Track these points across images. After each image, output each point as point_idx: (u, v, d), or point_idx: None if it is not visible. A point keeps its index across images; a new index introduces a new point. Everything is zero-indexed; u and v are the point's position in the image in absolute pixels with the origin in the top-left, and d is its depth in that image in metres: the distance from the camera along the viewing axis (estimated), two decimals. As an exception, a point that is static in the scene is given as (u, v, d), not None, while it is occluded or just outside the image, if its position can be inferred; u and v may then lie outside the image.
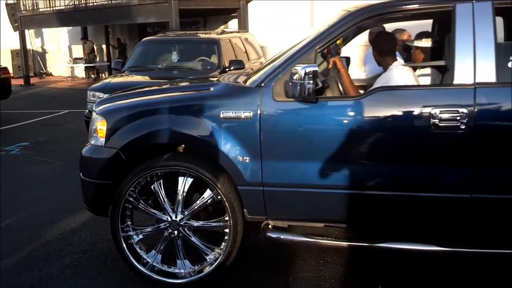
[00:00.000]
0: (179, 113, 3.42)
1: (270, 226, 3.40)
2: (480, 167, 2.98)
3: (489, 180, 2.98)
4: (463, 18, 3.05)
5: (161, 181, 3.47)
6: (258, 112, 3.21)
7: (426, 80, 3.89)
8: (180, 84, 4.38)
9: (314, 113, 3.18)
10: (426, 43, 3.97)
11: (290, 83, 3.10)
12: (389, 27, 5.65)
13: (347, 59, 4.77)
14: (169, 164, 3.42)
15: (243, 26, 14.47)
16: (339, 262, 3.76)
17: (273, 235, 3.35)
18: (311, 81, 3.00)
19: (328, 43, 3.33)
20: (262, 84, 3.26)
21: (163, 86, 4.43)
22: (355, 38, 4.59)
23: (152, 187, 3.49)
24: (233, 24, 15.57)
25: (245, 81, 3.56)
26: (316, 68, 3.04)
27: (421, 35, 4.05)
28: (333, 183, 3.19)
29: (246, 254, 3.86)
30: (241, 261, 3.69)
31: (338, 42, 4.06)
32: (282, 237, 3.35)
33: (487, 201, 3.02)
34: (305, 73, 3.00)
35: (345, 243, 3.33)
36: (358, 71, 6.55)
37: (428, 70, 3.96)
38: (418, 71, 4.02)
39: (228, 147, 3.26)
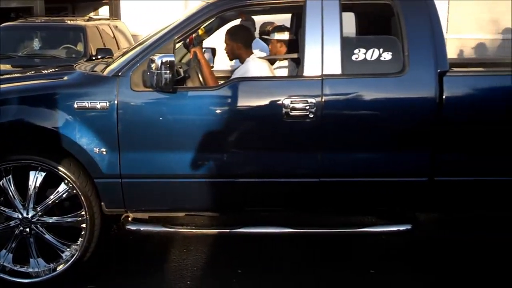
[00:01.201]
0: (30, 103, 3.23)
1: (130, 219, 3.35)
2: (326, 153, 3.18)
3: (334, 165, 3.19)
4: (312, 13, 3.21)
5: (10, 176, 3.24)
6: (115, 102, 3.13)
7: (284, 72, 4.07)
8: (34, 72, 4.12)
9: (172, 103, 3.18)
10: (284, 36, 4.13)
11: (148, 73, 3.06)
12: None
13: (213, 50, 4.83)
14: (19, 158, 3.21)
15: (115, 14, 13.95)
16: (202, 250, 3.81)
17: (133, 227, 3.31)
18: (168, 71, 2.99)
19: (187, 33, 3.36)
20: (120, 73, 3.19)
21: (15, 75, 4.14)
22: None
23: (0, 183, 3.26)
24: (104, 11, 14.95)
25: (103, 70, 3.44)
26: (173, 59, 3.03)
27: (280, 29, 4.22)
28: (192, 173, 3.22)
29: (109, 247, 3.77)
30: (105, 255, 3.61)
31: (200, 33, 4.09)
32: (142, 228, 3.33)
33: (333, 185, 3.24)
34: (162, 63, 2.98)
35: (205, 231, 3.43)
36: (228, 62, 6.63)
37: (286, 63, 4.14)
38: (278, 63, 4.19)
39: (84, 139, 3.15)
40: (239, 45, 3.81)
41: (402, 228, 3.35)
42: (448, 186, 3.23)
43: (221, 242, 3.92)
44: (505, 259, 3.71)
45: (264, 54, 4.70)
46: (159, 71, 2.98)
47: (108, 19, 10.36)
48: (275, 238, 3.82)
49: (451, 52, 11.43)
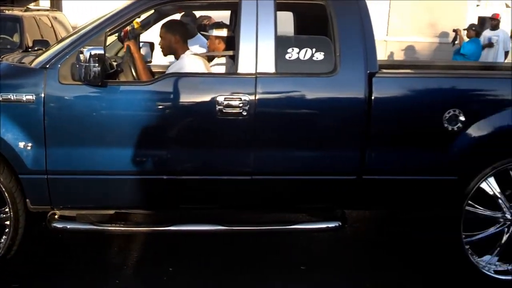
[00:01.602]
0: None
1: (56, 216, 3.25)
2: (259, 151, 3.18)
3: (266, 162, 3.20)
4: (247, 11, 3.21)
5: None
6: (42, 95, 3.03)
7: (222, 69, 4.05)
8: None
9: (102, 97, 3.11)
10: (223, 32, 4.11)
11: (77, 66, 2.98)
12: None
13: (151, 45, 4.75)
14: None
15: (56, 5, 13.51)
16: (133, 248, 3.74)
17: (59, 225, 3.21)
18: (97, 64, 2.92)
19: (120, 26, 3.29)
20: (48, 66, 3.09)
21: None
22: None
23: None
24: (46, 2, 14.47)
25: (31, 62, 3.32)
26: (102, 52, 2.96)
27: (218, 25, 4.19)
28: (123, 169, 3.16)
29: (36, 245, 3.67)
30: (31, 253, 3.52)
31: (136, 26, 4.02)
32: (68, 226, 3.24)
33: (265, 182, 3.26)
34: (90, 56, 2.91)
35: (135, 228, 3.35)
36: (167, 58, 6.54)
37: (224, 60, 4.12)
38: (216, 60, 4.16)
39: (8, 132, 3.03)
40: (174, 40, 3.75)
41: (331, 225, 3.39)
42: (376, 185, 3.32)
43: (152, 240, 3.87)
44: (432, 256, 3.86)
45: (204, 50, 4.67)
46: (87, 64, 2.91)
47: (47, 10, 10.02)
48: (208, 235, 3.79)
49: (391, 54, 11.80)
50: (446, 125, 3.19)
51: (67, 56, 3.09)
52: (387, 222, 4.52)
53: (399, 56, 11.60)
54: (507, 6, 19.02)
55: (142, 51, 4.59)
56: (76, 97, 3.09)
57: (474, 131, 3.21)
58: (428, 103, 3.24)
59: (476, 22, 10.31)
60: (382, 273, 3.58)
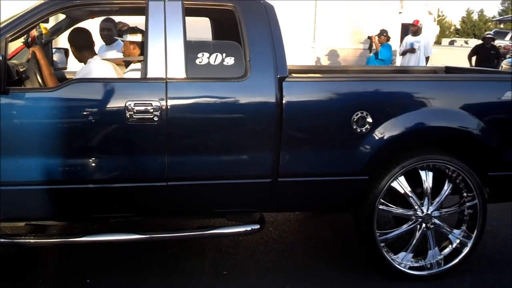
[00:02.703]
0: None
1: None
2: (173, 157, 3.15)
3: (181, 168, 3.17)
4: (155, 15, 3.19)
5: None
6: None
7: (138, 75, 3.98)
8: None
9: (6, 105, 2.97)
10: (137, 38, 4.05)
11: (-23, 72, 2.84)
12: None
13: (65, 51, 4.62)
14: None
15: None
16: (49, 261, 3.63)
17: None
18: (-4, 71, 2.80)
19: (22, 31, 3.16)
20: None
21: None
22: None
23: None
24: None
25: None
26: (0, 58, 2.84)
27: (132, 30, 4.12)
28: (31, 179, 3.04)
29: None
30: None
31: (44, 32, 3.90)
32: (-26, 240, 3.07)
33: (181, 188, 3.22)
34: (-13, 63, 2.79)
35: (45, 240, 3.24)
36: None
37: (139, 65, 4.05)
38: (132, 66, 4.10)
39: None
40: (73, 49, 3.69)
41: (250, 228, 3.41)
42: (291, 187, 3.35)
43: (68, 251, 3.74)
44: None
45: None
46: (-13, 71, 2.78)
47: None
48: (126, 244, 3.71)
49: (318, 60, 12.07)
50: (355, 127, 3.28)
51: (-34, 63, 2.93)
52: (311, 224, 4.59)
53: (325, 62, 11.88)
54: (429, 13, 19.95)
55: (55, 58, 4.46)
56: (-22, 105, 2.94)
57: (381, 132, 3.31)
58: (336, 106, 3.32)
59: (399, 28, 10.70)
60: (303, 275, 3.62)
